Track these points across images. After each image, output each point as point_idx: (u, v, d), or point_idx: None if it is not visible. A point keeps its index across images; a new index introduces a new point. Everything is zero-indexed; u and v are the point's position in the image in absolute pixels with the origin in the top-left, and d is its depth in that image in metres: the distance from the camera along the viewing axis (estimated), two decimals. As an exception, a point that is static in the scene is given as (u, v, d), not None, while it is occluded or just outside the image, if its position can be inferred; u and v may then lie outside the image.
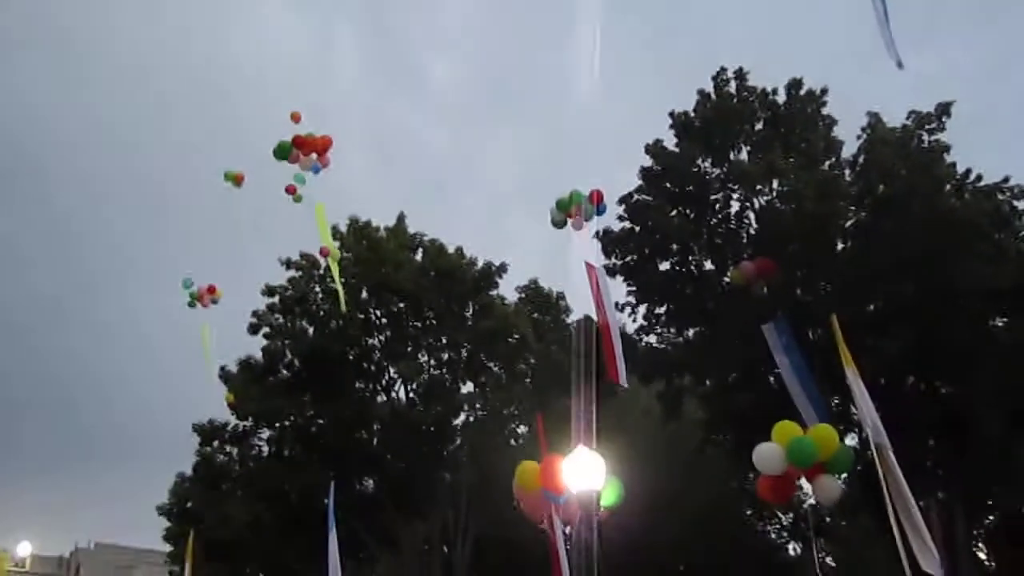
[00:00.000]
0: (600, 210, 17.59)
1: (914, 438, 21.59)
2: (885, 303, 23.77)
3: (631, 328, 28.18)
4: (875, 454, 10.34)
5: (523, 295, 30.95)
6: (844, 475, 11.81)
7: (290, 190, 16.90)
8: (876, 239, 23.06)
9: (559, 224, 16.49)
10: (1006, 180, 24.07)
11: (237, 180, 17.66)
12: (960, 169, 23.82)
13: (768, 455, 11.12)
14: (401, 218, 30.08)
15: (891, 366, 21.82)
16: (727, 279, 24.54)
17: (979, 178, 23.96)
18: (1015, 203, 24.17)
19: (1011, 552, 32.37)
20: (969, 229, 22.18)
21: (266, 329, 29.16)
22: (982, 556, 33.56)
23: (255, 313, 29.17)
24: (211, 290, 19.19)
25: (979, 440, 22.46)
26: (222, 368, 29.30)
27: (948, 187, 23.45)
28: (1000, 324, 24.53)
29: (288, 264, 29.25)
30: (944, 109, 23.24)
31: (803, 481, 12.23)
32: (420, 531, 32.78)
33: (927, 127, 23.31)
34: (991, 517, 33.16)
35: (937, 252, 22.23)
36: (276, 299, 29.13)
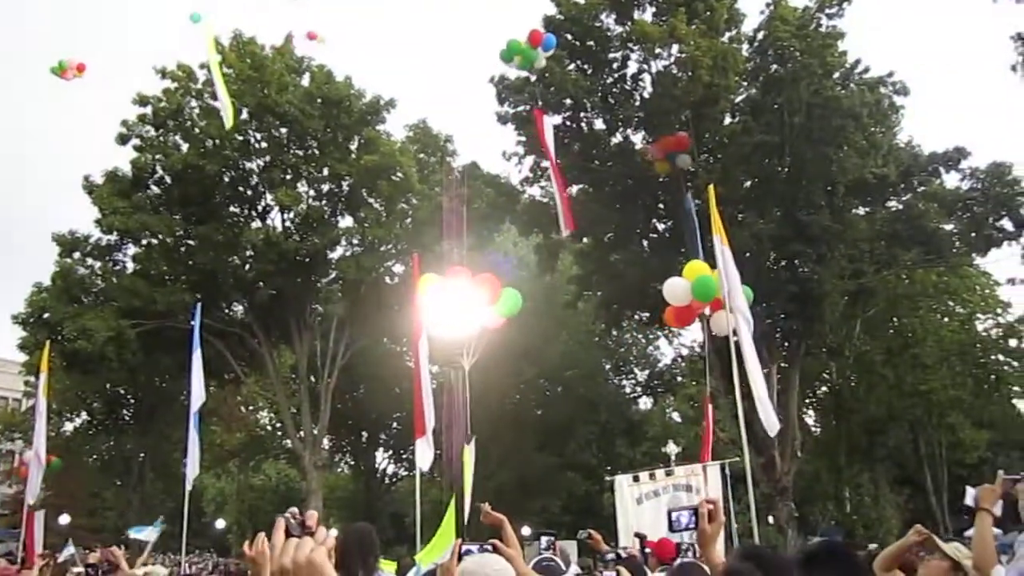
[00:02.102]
0: (547, 44, 17.59)
1: (768, 311, 23.00)
2: (760, 181, 24.67)
3: (516, 179, 28.31)
4: (729, 320, 10.95)
5: (411, 133, 30.32)
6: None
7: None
8: (762, 116, 23.63)
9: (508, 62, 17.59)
10: (890, 75, 24.90)
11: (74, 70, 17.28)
12: (851, 59, 24.42)
13: (677, 288, 12.63)
14: (289, 39, 28.48)
15: (758, 241, 22.86)
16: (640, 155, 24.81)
17: (866, 69, 24.67)
18: (895, 98, 25.13)
19: (834, 422, 35.76)
20: (849, 119, 23.00)
21: (136, 141, 27.58)
22: (810, 422, 36.88)
23: (125, 123, 27.45)
24: (80, 67, 18.85)
25: (822, 318, 24.18)
26: (86, 178, 27.78)
27: (836, 75, 24.06)
28: (861, 213, 26.02)
29: (163, 74, 27.41)
30: (846, -5, 23.50)
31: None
32: (287, 358, 33.04)
33: (827, 11, 23.57)
34: (824, 389, 36.30)
35: (816, 137, 23.04)
36: (149, 110, 27.43)
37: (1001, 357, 35.86)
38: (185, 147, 27.55)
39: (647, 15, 25.07)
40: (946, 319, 35.61)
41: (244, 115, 26.91)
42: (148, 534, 16.62)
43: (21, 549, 17.18)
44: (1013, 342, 35.78)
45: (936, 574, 3.98)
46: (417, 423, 11.31)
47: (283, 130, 27.43)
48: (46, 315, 27.06)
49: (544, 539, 4.16)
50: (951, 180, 26.28)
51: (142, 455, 34.76)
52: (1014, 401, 39.66)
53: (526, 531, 34.36)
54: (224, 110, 14.41)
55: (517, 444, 34.29)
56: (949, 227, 26.17)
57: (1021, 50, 23.19)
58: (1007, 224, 25.43)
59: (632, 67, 25.35)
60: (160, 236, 27.65)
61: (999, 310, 36.32)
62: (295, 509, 1.81)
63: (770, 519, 24.67)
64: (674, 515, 3.00)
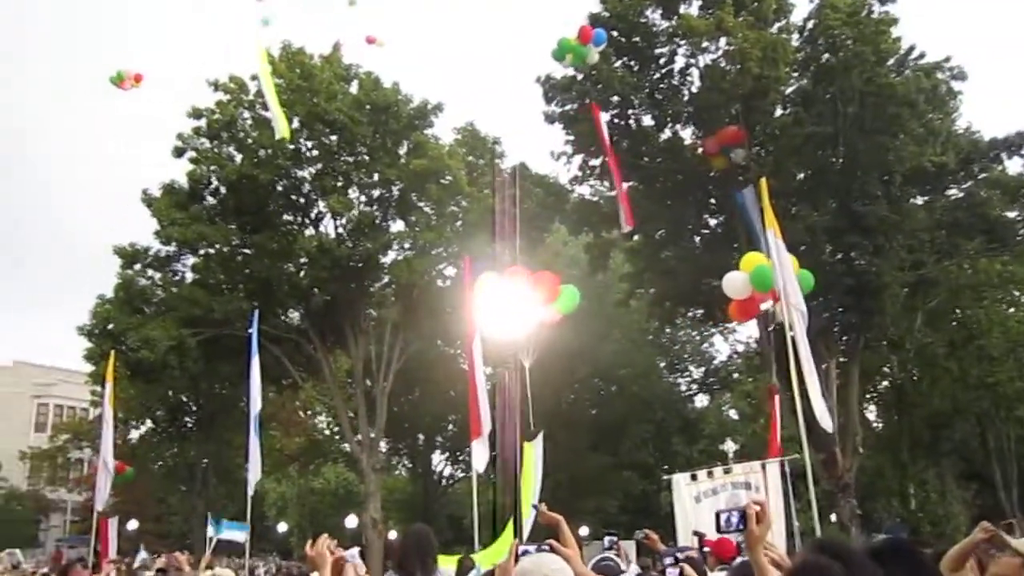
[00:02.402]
0: (597, 40, 17.64)
1: (825, 305, 22.60)
2: (814, 173, 24.24)
3: (564, 178, 28.26)
4: (785, 315, 10.79)
5: (459, 136, 30.46)
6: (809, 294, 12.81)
7: None
8: (814, 107, 23.22)
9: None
10: (947, 59, 24.30)
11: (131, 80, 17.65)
12: (905, 45, 23.87)
13: (736, 281, 12.72)
14: (336, 47, 28.85)
15: (812, 234, 22.48)
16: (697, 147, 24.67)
17: (922, 55, 24.09)
18: (952, 84, 24.49)
19: (896, 417, 34.99)
20: (905, 106, 22.48)
21: (191, 153, 28.20)
22: (871, 417, 36.14)
23: (180, 136, 28.09)
24: (137, 78, 19.22)
25: (882, 311, 23.64)
26: (144, 191, 28.48)
27: (891, 61, 23.54)
28: (919, 202, 25.41)
29: (216, 86, 27.98)
30: (898, -21, 22.97)
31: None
32: (343, 363, 33.44)
33: (879, -3, 23.09)
34: (885, 384, 35.55)
35: (871, 126, 22.57)
36: (203, 123, 28.03)
37: (1070, 346, 34.72)
38: (239, 158, 28.07)
39: (693, 9, 24.81)
40: (1012, 309, 34.58)
41: (295, 124, 27.30)
42: (239, 534, 16.80)
43: (92, 554, 17.69)
44: (1083, 331, 34.63)
45: (1008, 571, 3.87)
46: (473, 425, 11.37)
47: (333, 138, 27.77)
48: (110, 326, 27.78)
49: (608, 539, 4.14)
50: (1013, 166, 25.53)
51: (205, 461, 35.54)
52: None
53: (584, 531, 34.28)
54: (276, 121, 14.57)
55: (571, 444, 34.19)
56: (1013, 214, 25.43)
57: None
58: (1073, 209, 24.65)
59: (679, 62, 25.11)
60: (217, 246, 28.20)
61: (1067, 298, 35.17)
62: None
63: (832, 517, 24.22)
64: (723, 516, 2.96)
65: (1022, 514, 33.41)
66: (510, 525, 9.92)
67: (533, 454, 10.96)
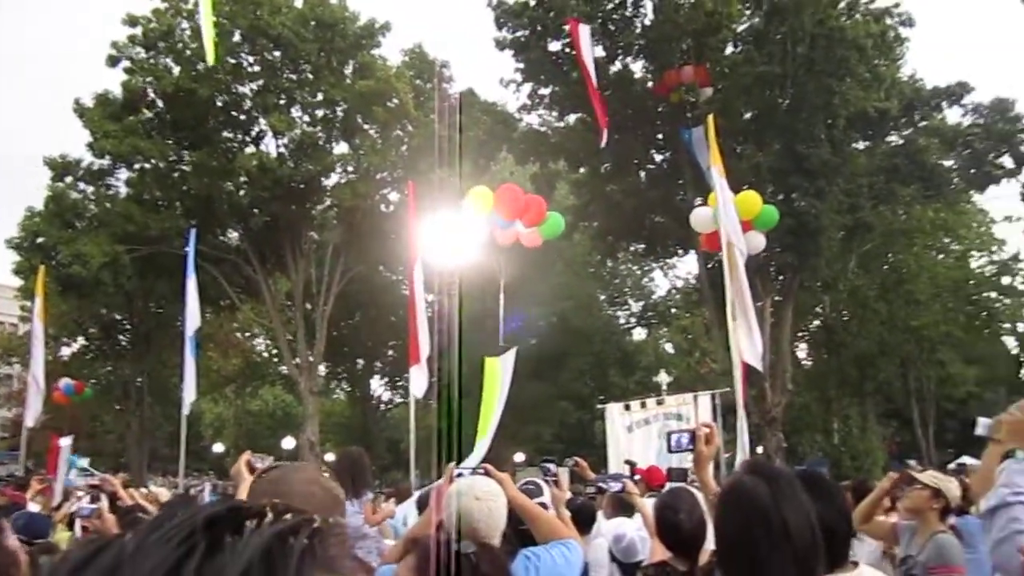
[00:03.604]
0: None
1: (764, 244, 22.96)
2: (761, 113, 24.39)
3: (513, 106, 27.97)
4: (724, 251, 10.94)
5: (407, 58, 29.76)
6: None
7: None
8: (764, 47, 23.24)
9: None
10: (896, 5, 24.43)
11: None
12: (856, -14, 23.94)
13: (703, 216, 13.29)
14: (283, -42, 27.76)
15: (756, 173, 22.72)
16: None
17: (872, 0, 24.18)
18: (900, 30, 24.70)
19: (826, 356, 36.12)
20: (853, 50, 22.64)
21: (126, 63, 27.05)
22: (802, 355, 37.25)
23: (115, 44, 26.88)
24: None
25: (819, 252, 24.17)
26: (76, 101, 27.32)
27: (842, 4, 23.61)
28: (861, 147, 25.83)
29: (154, -8, 26.76)
30: (854, -81, 22.90)
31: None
32: (283, 285, 33.07)
33: (835, -64, 23.00)
34: (817, 323, 36.57)
35: (819, 68, 22.70)
36: (139, 31, 26.83)
37: (993, 294, 36.11)
38: (176, 70, 27.05)
39: (650, -61, 24.46)
40: (941, 256, 35.71)
41: (236, 37, 26.38)
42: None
43: (24, 472, 17.40)
44: (1006, 280, 36.01)
45: (918, 502, 4.06)
46: (412, 350, 11.39)
47: (276, 53, 26.90)
48: (39, 240, 26.95)
49: (545, 466, 4.23)
50: (953, 115, 26.09)
51: (140, 380, 35.07)
52: (1003, 338, 40.07)
53: (519, 457, 34.96)
54: (206, 42, 13.83)
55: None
56: (949, 163, 26.05)
57: (1031, -19, 22.77)
58: (1007, 161, 25.34)
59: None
60: (153, 161, 27.34)
61: (994, 248, 36.43)
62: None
63: (759, 449, 25.10)
64: (673, 437, 3.10)
65: (936, 451, 35.09)
66: (485, 414, 10.07)
67: (499, 370, 10.95)
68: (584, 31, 18.47)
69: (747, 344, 10.87)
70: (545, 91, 26.46)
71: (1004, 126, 24.93)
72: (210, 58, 14.77)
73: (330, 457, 32.32)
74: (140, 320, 34.30)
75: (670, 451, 3.21)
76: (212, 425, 47.71)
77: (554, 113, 27.59)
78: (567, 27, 24.56)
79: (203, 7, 15.95)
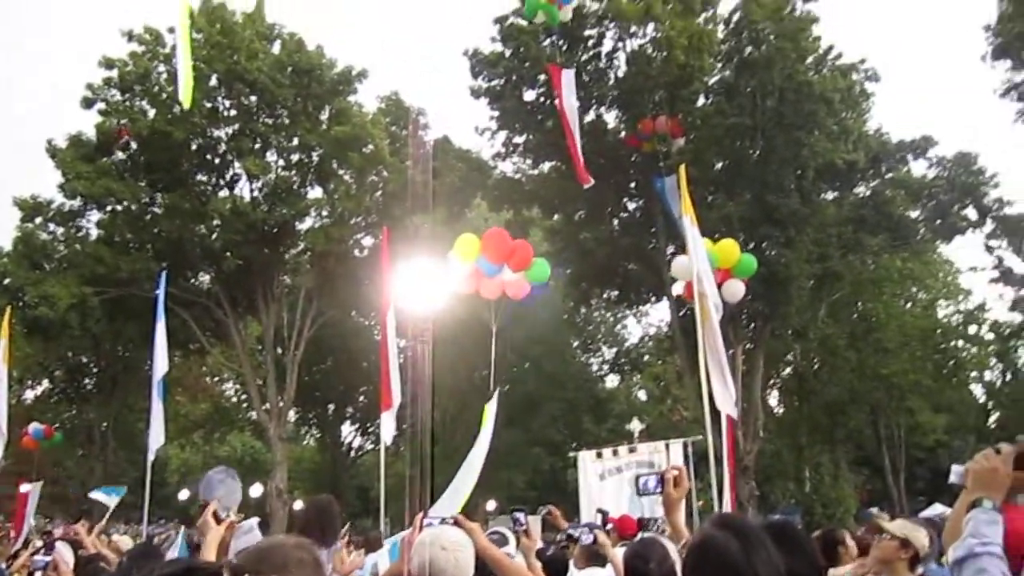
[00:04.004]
0: None
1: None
2: (732, 163, 24.80)
3: (487, 154, 28.24)
4: (696, 300, 11.02)
5: (383, 105, 30.00)
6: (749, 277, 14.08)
7: None
8: (735, 99, 23.72)
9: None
10: (863, 61, 25.12)
11: None
12: (824, 44, 24.57)
13: (682, 265, 13.13)
14: (260, 5, 27.98)
15: (727, 223, 23.00)
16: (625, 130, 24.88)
17: (839, 55, 24.85)
18: (866, 85, 25.35)
19: (797, 403, 36.30)
20: (821, 103, 23.17)
21: (101, 105, 27.01)
22: (773, 403, 37.41)
23: (90, 86, 26.85)
24: None
25: (789, 301, 24.44)
26: (49, 142, 27.19)
27: (810, 59, 24.20)
28: (829, 198, 26.31)
29: (130, 37, 26.80)
30: (821, -22, 23.59)
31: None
32: (253, 329, 32.79)
33: (802, -6, 23.67)
34: (788, 371, 36.81)
35: (788, 121, 23.19)
36: (115, 74, 26.85)
37: (960, 343, 36.60)
38: (152, 112, 27.05)
39: (624, -7, 25.01)
40: (909, 304, 36.20)
41: (213, 81, 26.47)
42: (110, 499, 16.28)
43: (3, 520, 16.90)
44: (972, 329, 36.53)
45: (887, 552, 4.07)
46: (383, 396, 11.30)
47: (253, 98, 27.00)
48: (7, 280, 26.56)
49: (516, 515, 4.18)
50: (918, 168, 26.69)
51: (105, 424, 34.42)
52: (971, 386, 40.54)
53: (491, 505, 34.55)
54: (182, 85, 13.78)
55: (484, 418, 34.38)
56: (915, 214, 26.57)
57: (991, 40, 23.50)
58: (971, 213, 25.88)
59: (607, 45, 25.32)
60: (125, 203, 27.18)
61: (960, 297, 37.03)
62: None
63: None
64: (641, 479, 3.08)
65: (907, 499, 35.19)
66: (465, 474, 9.90)
67: (489, 415, 10.84)
68: (567, 75, 18.78)
69: (721, 392, 10.91)
70: (519, 139, 26.76)
71: (967, 179, 25.52)
72: (186, 102, 14.73)
73: (299, 505, 31.76)
74: (107, 363, 33.79)
75: (638, 494, 3.19)
76: (178, 471, 46.79)
77: (528, 161, 27.88)
78: (542, 76, 25.03)
79: (181, 50, 15.92)
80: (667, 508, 3.05)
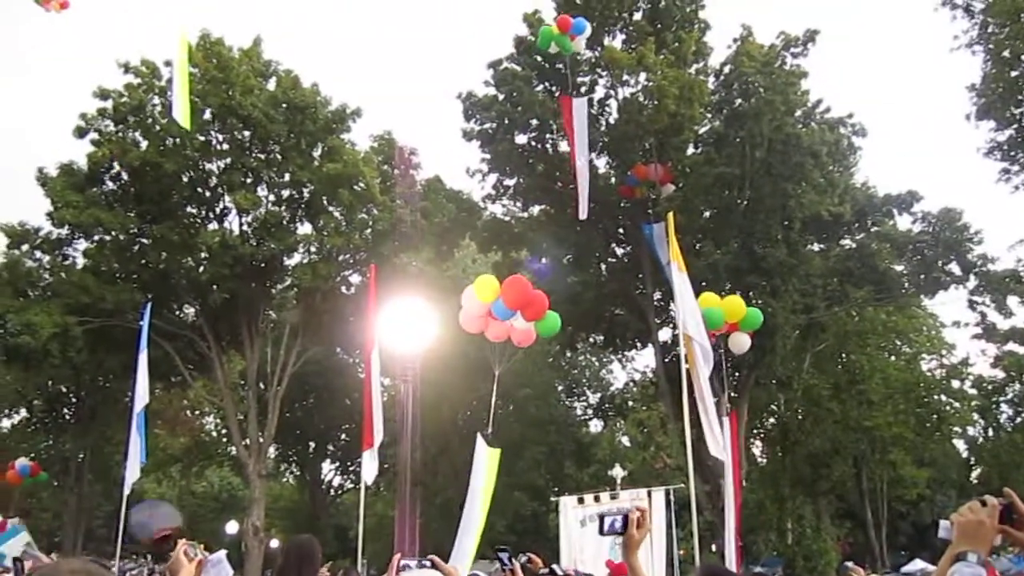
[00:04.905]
0: (577, 28, 17.77)
1: (721, 340, 23.22)
2: (719, 212, 25.02)
3: (478, 195, 28.41)
4: (683, 346, 11.05)
5: (375, 144, 30.19)
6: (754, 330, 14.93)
7: None
8: (724, 149, 24.01)
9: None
10: (850, 116, 25.54)
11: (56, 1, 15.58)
12: (812, 98, 24.99)
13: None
14: (257, 42, 28.25)
15: (714, 271, 23.15)
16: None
17: (827, 109, 25.26)
18: (853, 139, 25.75)
19: (780, 454, 36.20)
20: (809, 156, 23.49)
21: (94, 135, 27.05)
22: (756, 453, 37.32)
23: (84, 116, 26.91)
24: (63, 3, 16.65)
25: (774, 350, 24.49)
26: (40, 170, 27.16)
27: (798, 112, 24.58)
28: (815, 249, 26.54)
29: (127, 68, 26.97)
30: (811, 36, 24.05)
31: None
32: (236, 364, 32.54)
33: (792, 50, 24.08)
34: (771, 421, 36.77)
35: (776, 172, 23.47)
36: (109, 104, 26.95)
37: (943, 397, 36.67)
38: (144, 144, 27.11)
39: (617, 42, 25.44)
40: (893, 357, 36.31)
41: (207, 115, 26.59)
42: (10, 546, 15.04)
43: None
44: (955, 383, 36.64)
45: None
46: (366, 435, 11.22)
47: (246, 133, 27.12)
48: (-10, 307, 26.34)
49: (503, 555, 4.15)
50: (903, 222, 26.98)
51: (81, 456, 33.94)
52: (954, 441, 40.57)
53: (470, 549, 33.99)
54: (179, 106, 13.74)
55: (466, 460, 34.09)
56: (900, 268, 26.79)
57: (975, 100, 23.96)
58: (955, 268, 26.12)
59: (599, 92, 25.66)
60: (113, 233, 27.08)
61: (943, 351, 37.20)
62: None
63: (713, 547, 24.81)
64: (607, 519, 3.06)
65: (889, 553, 35.01)
66: (469, 525, 9.81)
67: (492, 462, 10.74)
68: (579, 104, 19.07)
69: (710, 438, 10.92)
70: (510, 182, 26.94)
71: (951, 235, 25.81)
72: (185, 122, 14.71)
73: (275, 543, 31.29)
74: (86, 394, 33.43)
75: (602, 533, 3.18)
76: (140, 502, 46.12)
77: (518, 203, 28.05)
78: (534, 121, 25.31)
79: (178, 69, 15.88)
80: (627, 549, 3.03)
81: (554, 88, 25.49)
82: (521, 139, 26.10)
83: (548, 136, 26.04)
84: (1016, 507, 2.13)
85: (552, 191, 26.23)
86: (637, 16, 25.52)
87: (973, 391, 36.90)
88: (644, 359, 37.05)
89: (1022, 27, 22.43)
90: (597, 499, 14.02)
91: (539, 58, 25.04)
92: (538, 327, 11.28)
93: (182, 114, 13.20)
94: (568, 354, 39.00)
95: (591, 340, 31.90)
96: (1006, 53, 23.18)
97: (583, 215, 19.24)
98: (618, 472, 19.32)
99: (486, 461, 10.57)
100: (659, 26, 25.27)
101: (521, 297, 10.78)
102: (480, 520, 9.91)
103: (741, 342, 14.23)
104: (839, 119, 25.27)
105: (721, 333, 13.92)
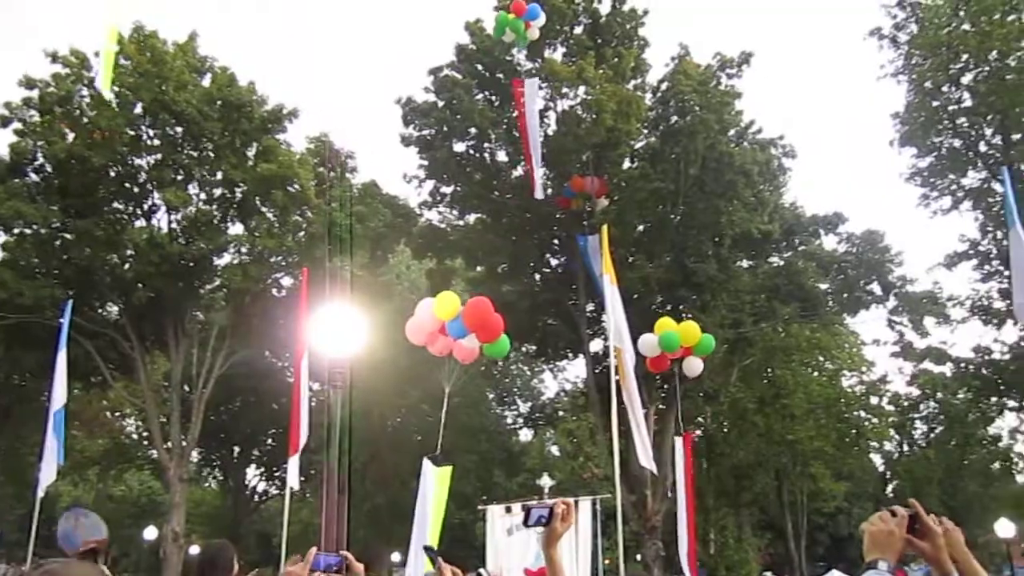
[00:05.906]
0: (531, 14, 17.78)
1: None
2: (653, 226, 25.41)
3: (415, 202, 28.30)
4: (613, 357, 11.19)
5: (312, 146, 29.81)
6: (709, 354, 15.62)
7: None
8: (659, 164, 24.40)
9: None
10: (781, 137, 26.23)
11: None
12: (746, 119, 25.59)
13: (650, 342, 14.21)
14: (193, 37, 27.66)
15: (646, 284, 23.48)
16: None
17: (760, 130, 25.90)
18: (784, 160, 26.44)
19: (705, 466, 36.82)
20: (740, 175, 24.03)
21: (18, 125, 26.11)
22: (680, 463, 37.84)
23: (8, 105, 25.96)
24: None
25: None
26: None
27: (732, 132, 25.13)
28: (745, 265, 27.14)
29: (55, 58, 26.12)
30: (746, 58, 24.63)
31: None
32: (161, 365, 31.71)
33: (727, 71, 24.62)
34: (698, 433, 37.40)
35: (709, 189, 23.95)
36: (35, 94, 26.05)
37: (863, 413, 37.81)
38: (71, 136, 26.27)
39: (557, 54, 25.68)
40: (816, 373, 37.31)
41: (138, 109, 25.94)
42: None
43: None
44: (874, 400, 37.83)
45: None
46: (292, 439, 11.06)
47: (178, 129, 26.49)
48: None
49: (431, 554, 4.10)
50: (829, 242, 27.82)
51: (-8, 457, 32.65)
52: (871, 455, 41.85)
53: (396, 557, 33.79)
54: (102, 74, 13.21)
55: (395, 468, 33.87)
56: (824, 286, 27.58)
57: (899, 127, 24.88)
58: (876, 288, 27.01)
59: (539, 103, 25.82)
60: (35, 226, 26.13)
61: (863, 368, 38.37)
62: None
63: (638, 557, 25.10)
64: (533, 512, 3.05)
65: (807, 563, 35.86)
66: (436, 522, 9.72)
67: (444, 480, 10.65)
68: (530, 84, 19.24)
69: (640, 448, 11.07)
70: (447, 189, 26.93)
71: (873, 256, 26.70)
72: (106, 90, 14.25)
73: (195, 549, 30.48)
74: (0, 392, 32.15)
75: (526, 525, 3.18)
76: (68, 509, 44.59)
77: (454, 211, 28.03)
78: (473, 129, 25.35)
79: (107, 48, 15.32)
80: (549, 541, 2.99)
81: (494, 97, 25.60)
82: (459, 147, 26.13)
83: (486, 145, 26.11)
84: (920, 518, 2.23)
85: (489, 200, 26.30)
86: (578, 30, 25.81)
87: (890, 407, 38.15)
88: (575, 369, 37.41)
89: (944, 60, 23.38)
90: (524, 508, 14.07)
91: (480, 67, 25.12)
92: (488, 349, 11.28)
93: (105, 79, 12.80)
94: (500, 363, 39.09)
95: (523, 349, 32.01)
96: (928, 84, 24.14)
97: (539, 195, 19.46)
98: (547, 481, 19.42)
99: (435, 481, 10.53)
100: (599, 41, 25.61)
101: (482, 320, 10.77)
102: (433, 537, 9.87)
103: (694, 366, 14.88)
104: (770, 140, 25.93)
105: (676, 357, 14.55)
